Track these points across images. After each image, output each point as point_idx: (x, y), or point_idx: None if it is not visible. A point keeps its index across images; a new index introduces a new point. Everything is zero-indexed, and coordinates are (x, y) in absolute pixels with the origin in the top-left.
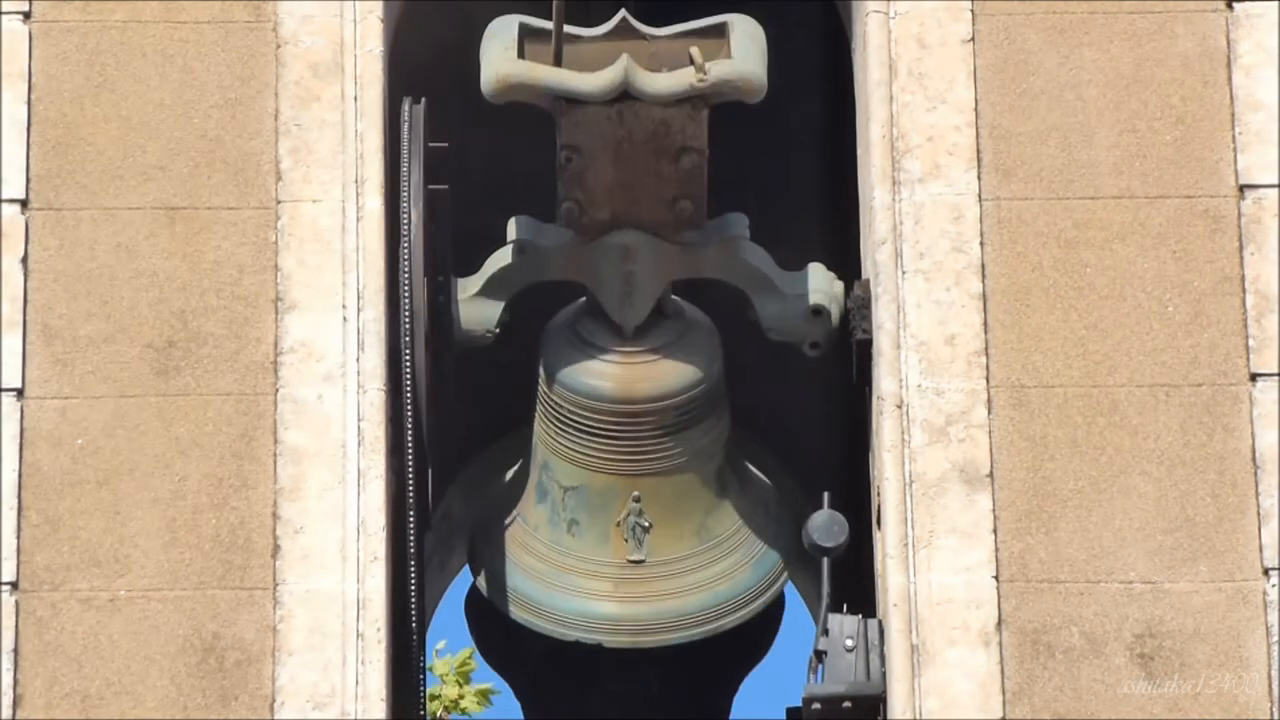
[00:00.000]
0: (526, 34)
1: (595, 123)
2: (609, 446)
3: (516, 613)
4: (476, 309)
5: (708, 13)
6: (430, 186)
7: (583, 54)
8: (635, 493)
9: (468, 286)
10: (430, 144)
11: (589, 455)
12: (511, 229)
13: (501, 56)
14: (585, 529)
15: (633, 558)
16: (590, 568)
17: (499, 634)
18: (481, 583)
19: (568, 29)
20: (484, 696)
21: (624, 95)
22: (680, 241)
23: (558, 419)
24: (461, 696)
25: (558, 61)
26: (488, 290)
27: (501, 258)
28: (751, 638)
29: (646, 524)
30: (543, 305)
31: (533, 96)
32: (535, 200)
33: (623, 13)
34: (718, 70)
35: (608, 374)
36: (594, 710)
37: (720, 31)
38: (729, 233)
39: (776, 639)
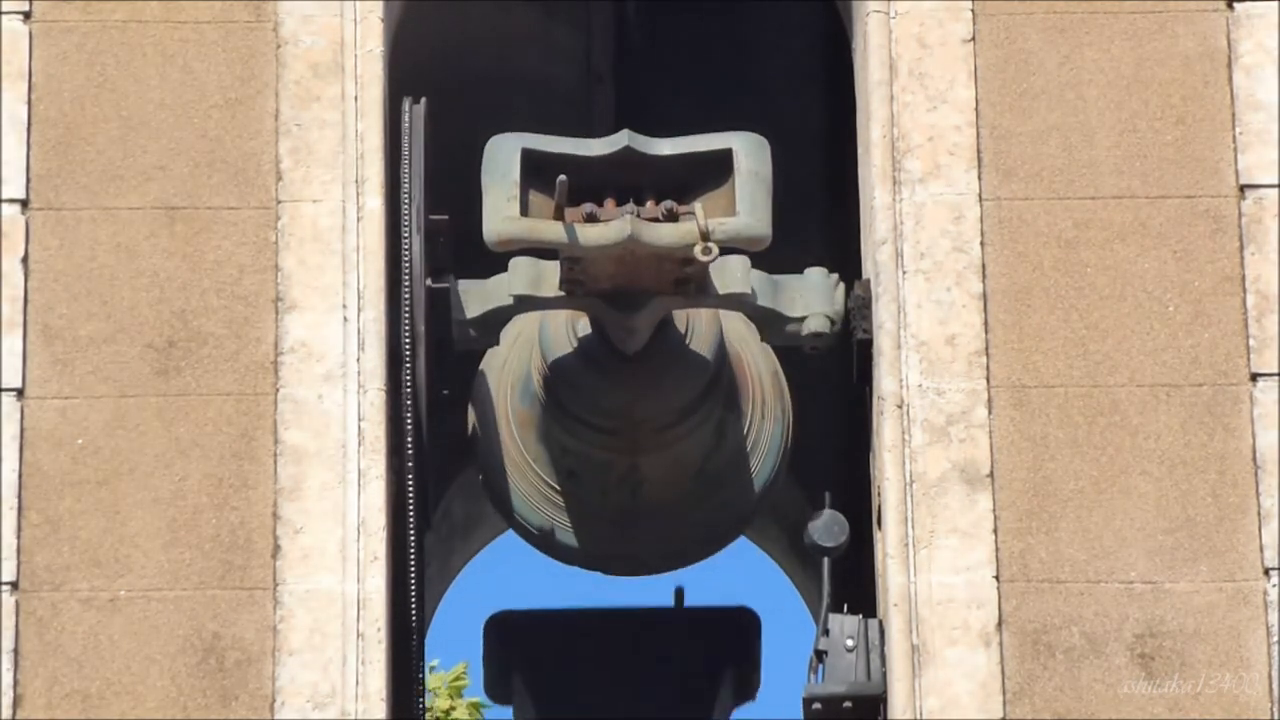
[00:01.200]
0: (528, 168)
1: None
2: (609, 440)
3: (520, 531)
4: (476, 332)
5: (709, 13)
6: (431, 217)
7: (585, 178)
8: (634, 463)
9: (468, 301)
10: (431, 216)
11: (589, 437)
12: (511, 278)
13: (503, 211)
14: (583, 480)
15: (628, 507)
16: (589, 511)
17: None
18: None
19: (570, 151)
20: (475, 709)
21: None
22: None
23: (557, 403)
24: (453, 708)
25: (559, 213)
26: (482, 322)
27: (499, 294)
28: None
29: (644, 486)
30: None
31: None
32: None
33: (627, 134)
34: (721, 232)
35: (608, 391)
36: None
37: (725, 165)
38: (731, 288)
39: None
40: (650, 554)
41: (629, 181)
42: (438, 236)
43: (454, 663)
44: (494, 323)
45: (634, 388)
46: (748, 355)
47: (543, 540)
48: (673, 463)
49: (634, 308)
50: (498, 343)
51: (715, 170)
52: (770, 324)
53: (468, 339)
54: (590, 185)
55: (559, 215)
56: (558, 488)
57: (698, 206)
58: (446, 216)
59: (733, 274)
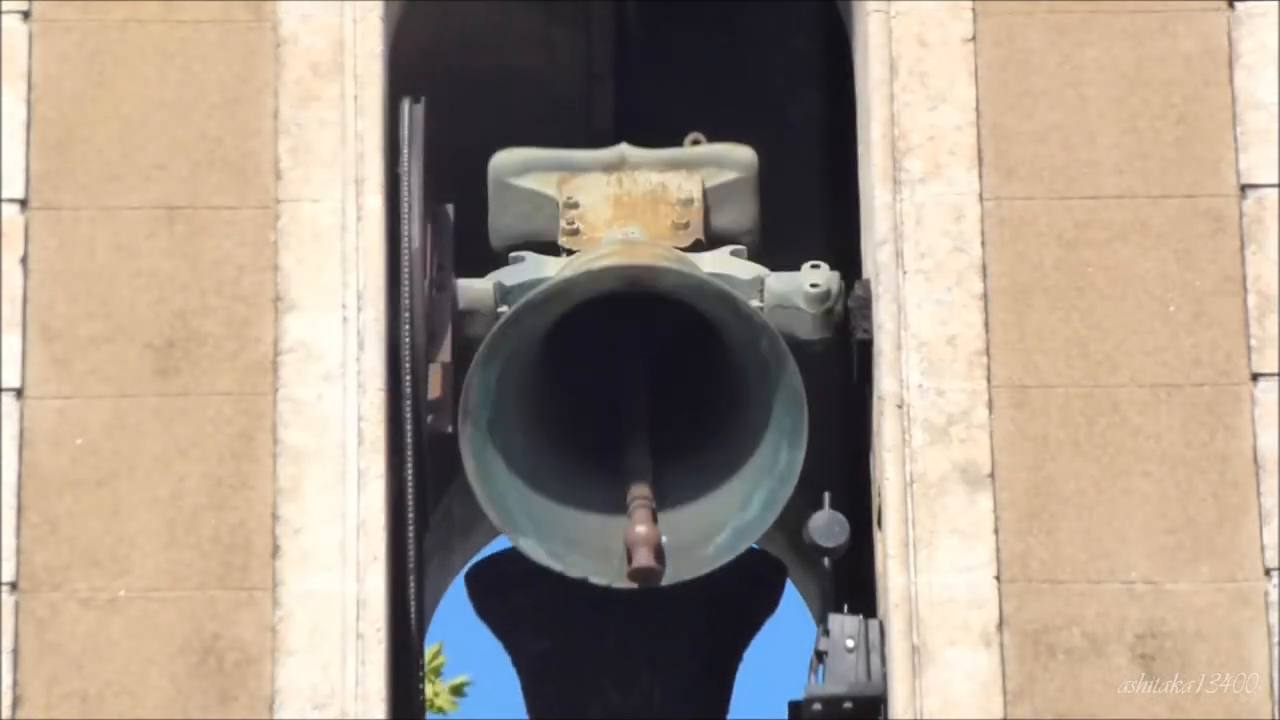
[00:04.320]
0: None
1: (594, 183)
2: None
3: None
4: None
5: (709, 13)
6: (441, 205)
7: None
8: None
9: (468, 298)
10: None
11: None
12: (503, 280)
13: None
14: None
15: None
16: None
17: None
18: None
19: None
20: (457, 691)
21: (621, 164)
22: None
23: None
24: (436, 695)
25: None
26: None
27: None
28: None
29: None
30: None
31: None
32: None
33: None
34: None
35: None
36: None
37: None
38: (721, 265)
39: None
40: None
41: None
42: (438, 221)
43: (464, 668)
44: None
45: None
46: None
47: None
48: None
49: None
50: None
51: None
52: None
53: (466, 337)
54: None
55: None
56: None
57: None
58: (451, 205)
59: (724, 255)
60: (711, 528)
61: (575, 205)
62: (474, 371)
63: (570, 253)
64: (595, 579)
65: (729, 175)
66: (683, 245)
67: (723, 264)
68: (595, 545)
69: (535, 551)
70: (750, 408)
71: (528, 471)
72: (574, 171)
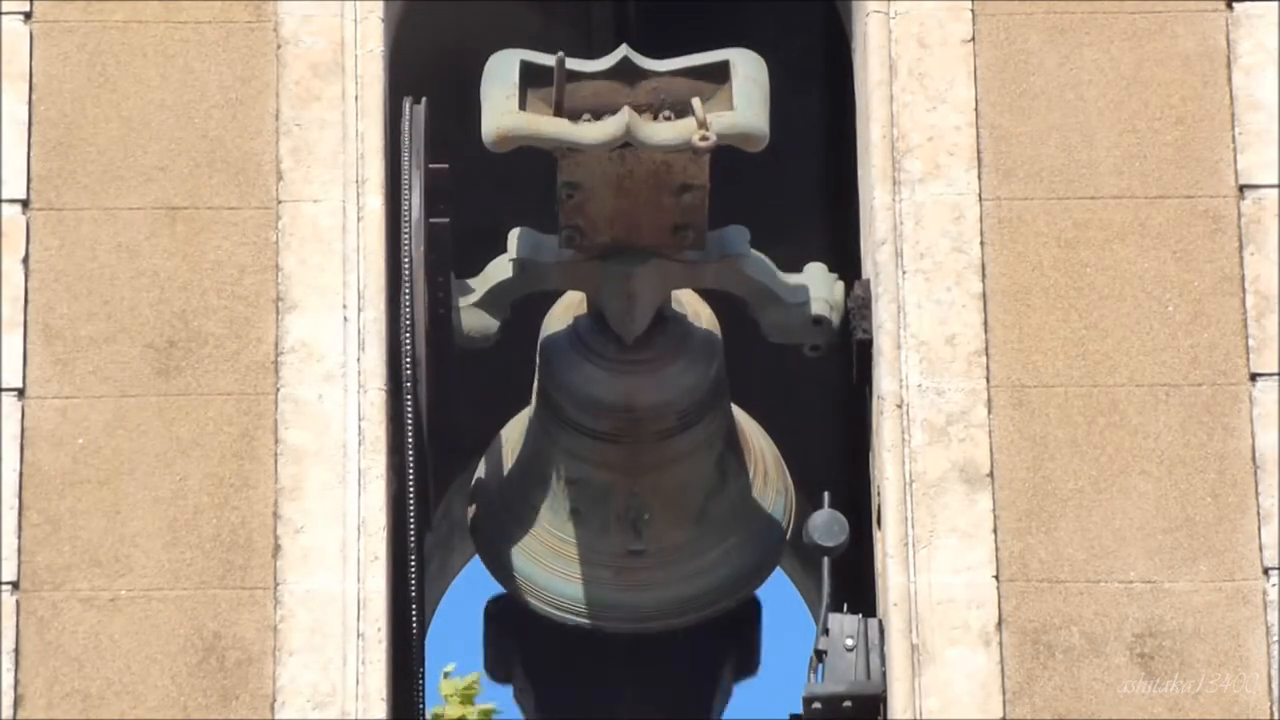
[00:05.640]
0: (527, 75)
1: (596, 162)
2: (609, 449)
3: (517, 591)
4: (476, 318)
5: (709, 13)
6: (431, 220)
7: (584, 92)
8: (634, 490)
9: (467, 293)
10: (431, 165)
11: (589, 454)
12: (511, 243)
13: (502, 108)
14: (586, 518)
15: (633, 548)
16: (591, 555)
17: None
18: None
19: (569, 64)
20: (486, 716)
21: (626, 145)
22: (681, 260)
23: (558, 418)
24: (465, 717)
25: (559, 110)
26: (486, 302)
27: (500, 270)
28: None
29: (646, 516)
30: (543, 305)
31: (534, 145)
32: (535, 199)
33: (625, 48)
34: (719, 125)
35: (608, 383)
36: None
37: (722, 73)
38: (729, 250)
39: (770, 642)
40: (651, 605)
41: (628, 101)
42: (436, 234)
43: (468, 669)
44: (498, 301)
45: (634, 376)
46: (749, 428)
47: (541, 594)
48: (675, 491)
49: (634, 262)
50: (498, 327)
51: (714, 83)
52: (766, 305)
53: (469, 342)
54: (589, 107)
55: (558, 114)
56: (560, 533)
57: (695, 100)
58: (446, 165)
59: (732, 241)
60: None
61: (575, 188)
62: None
63: (571, 236)
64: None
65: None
66: (678, 252)
67: (725, 280)
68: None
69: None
70: None
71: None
72: (574, 148)
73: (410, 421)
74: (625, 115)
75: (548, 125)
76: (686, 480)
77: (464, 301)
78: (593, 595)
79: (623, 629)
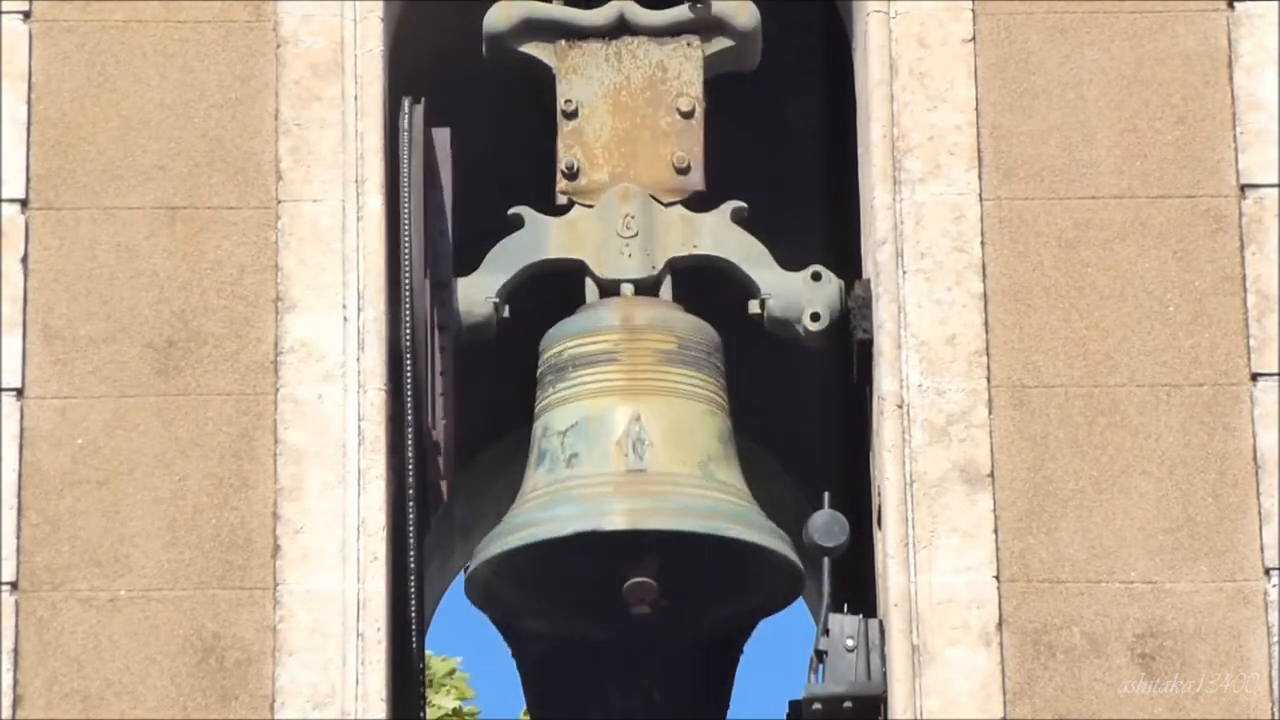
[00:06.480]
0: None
1: (594, 68)
2: (609, 371)
3: (513, 542)
4: (476, 285)
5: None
6: (428, 191)
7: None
8: (636, 411)
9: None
10: (433, 128)
11: (588, 385)
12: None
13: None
14: (585, 456)
15: (633, 467)
16: (589, 481)
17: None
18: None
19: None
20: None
21: (622, 29)
22: (678, 201)
23: (556, 370)
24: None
25: None
26: (487, 268)
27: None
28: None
29: (647, 439)
30: (543, 304)
31: (535, 39)
32: (535, 199)
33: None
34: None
35: (608, 308)
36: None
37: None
38: (727, 210)
39: (770, 642)
40: (650, 507)
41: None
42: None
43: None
44: (498, 264)
45: (634, 306)
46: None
47: (536, 527)
48: (676, 425)
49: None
50: (499, 299)
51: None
52: (763, 264)
53: (471, 319)
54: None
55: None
56: (555, 484)
57: None
58: (448, 128)
59: (725, 221)
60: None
61: (574, 114)
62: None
63: (570, 204)
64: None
65: (729, 43)
66: (682, 198)
67: (723, 241)
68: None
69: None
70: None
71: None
72: (572, 40)
73: (410, 421)
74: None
75: (548, 8)
76: (689, 422)
77: (465, 281)
78: (594, 506)
79: (620, 528)
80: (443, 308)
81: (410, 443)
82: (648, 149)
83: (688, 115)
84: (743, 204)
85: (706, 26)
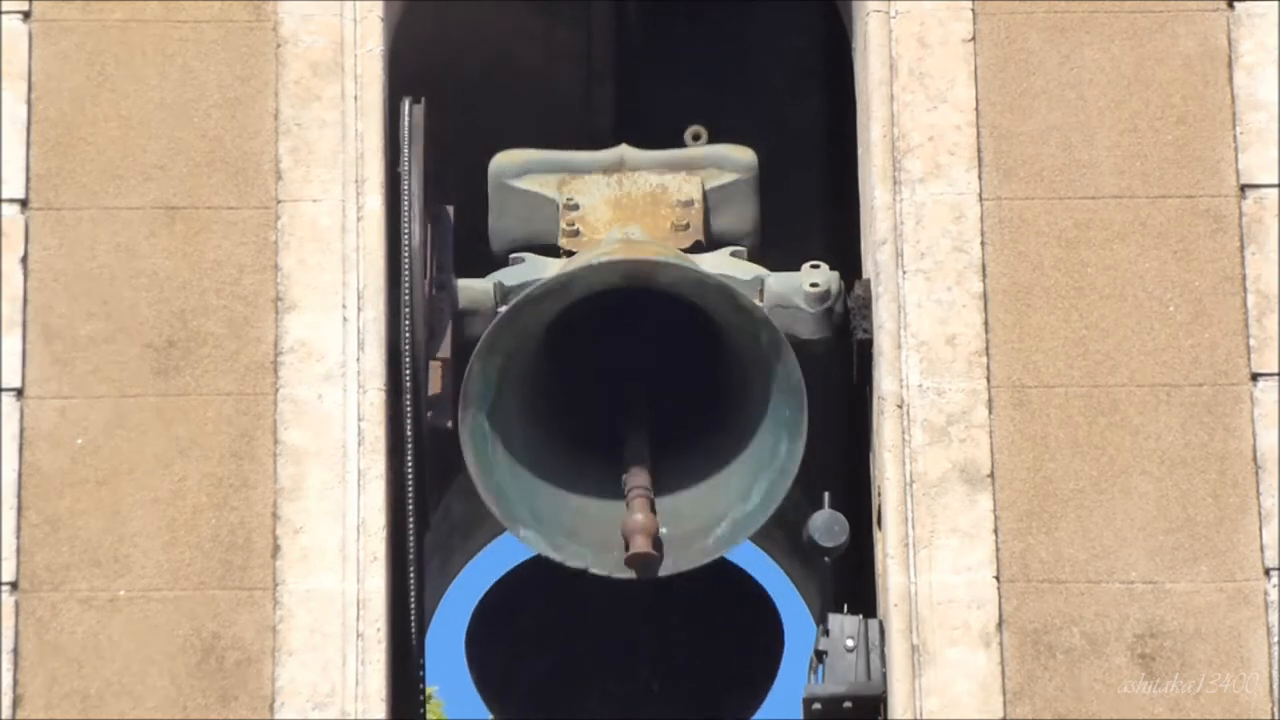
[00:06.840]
0: None
1: (595, 186)
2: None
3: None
4: (476, 285)
5: (709, 13)
6: (434, 206)
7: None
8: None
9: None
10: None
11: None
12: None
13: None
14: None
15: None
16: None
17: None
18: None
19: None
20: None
21: (621, 165)
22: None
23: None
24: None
25: None
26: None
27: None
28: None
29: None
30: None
31: (537, 174)
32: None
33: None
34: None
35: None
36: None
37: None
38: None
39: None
40: (649, 271)
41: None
42: (438, 222)
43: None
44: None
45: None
46: None
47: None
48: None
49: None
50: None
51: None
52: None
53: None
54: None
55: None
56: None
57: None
58: (451, 206)
59: (724, 256)
60: (711, 519)
61: (575, 207)
62: (474, 363)
63: (570, 254)
64: (595, 569)
65: (729, 177)
66: (683, 246)
67: (723, 264)
68: (595, 536)
69: (536, 542)
70: (750, 401)
71: (528, 463)
72: (574, 173)
73: (410, 421)
74: (622, 148)
75: (551, 153)
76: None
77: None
78: (596, 259)
79: (614, 284)
80: (442, 308)
81: (410, 443)
82: (650, 227)
83: (688, 204)
84: (741, 248)
85: (707, 163)
